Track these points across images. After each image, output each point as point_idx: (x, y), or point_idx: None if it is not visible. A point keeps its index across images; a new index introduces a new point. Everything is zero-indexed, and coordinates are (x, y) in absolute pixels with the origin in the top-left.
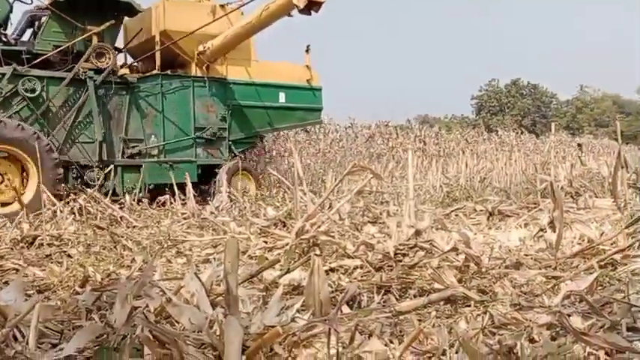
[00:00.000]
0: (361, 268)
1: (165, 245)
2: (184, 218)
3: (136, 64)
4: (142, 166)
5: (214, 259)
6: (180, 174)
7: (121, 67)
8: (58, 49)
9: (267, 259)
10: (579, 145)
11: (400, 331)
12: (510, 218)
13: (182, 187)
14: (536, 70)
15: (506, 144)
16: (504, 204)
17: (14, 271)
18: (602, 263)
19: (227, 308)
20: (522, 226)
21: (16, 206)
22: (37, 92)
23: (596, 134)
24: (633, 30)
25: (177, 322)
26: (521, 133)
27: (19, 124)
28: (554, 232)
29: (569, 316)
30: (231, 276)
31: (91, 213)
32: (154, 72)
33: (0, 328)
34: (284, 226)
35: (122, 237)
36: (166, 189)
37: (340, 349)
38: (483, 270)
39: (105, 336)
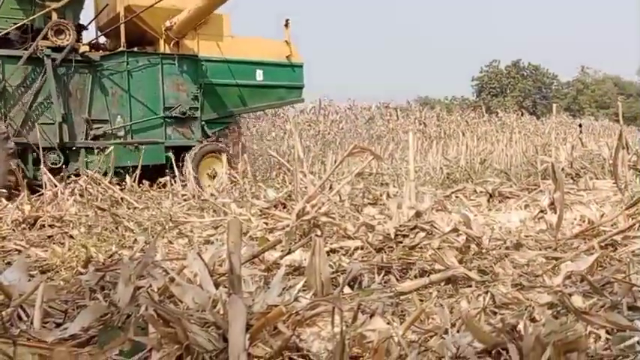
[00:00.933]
0: (362, 249)
1: (167, 226)
2: (184, 200)
3: (103, 42)
4: (107, 148)
5: (216, 239)
6: (147, 156)
7: (84, 44)
8: (16, 26)
9: (268, 240)
10: (580, 125)
11: (402, 311)
12: (510, 200)
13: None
14: (537, 51)
15: (507, 125)
16: (504, 185)
17: (17, 252)
18: (603, 244)
19: (230, 287)
20: (522, 207)
21: None
22: None
23: (597, 116)
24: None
25: (181, 302)
26: (522, 114)
27: None
28: (555, 213)
29: (570, 295)
30: (235, 255)
31: (91, 194)
32: (119, 50)
33: (4, 308)
34: (284, 207)
35: (123, 218)
36: (166, 170)
37: (344, 328)
38: (484, 251)
39: (109, 315)
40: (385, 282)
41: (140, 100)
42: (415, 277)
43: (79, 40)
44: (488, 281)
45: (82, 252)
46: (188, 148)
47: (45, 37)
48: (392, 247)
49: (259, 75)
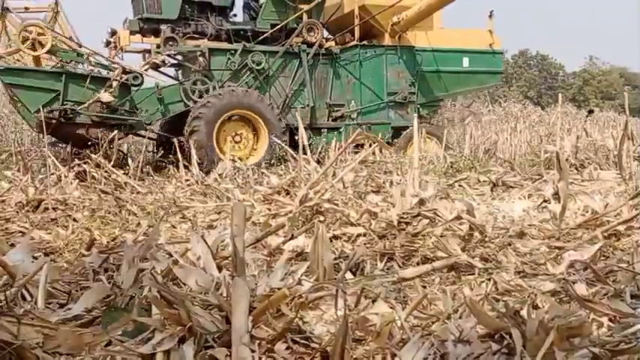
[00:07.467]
0: (364, 235)
1: (170, 211)
2: (188, 185)
3: (336, 37)
4: (342, 127)
5: (219, 224)
6: (377, 135)
7: (327, 40)
8: (277, 27)
9: (270, 225)
10: (591, 111)
11: (404, 297)
12: (514, 189)
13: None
14: (543, 41)
15: (511, 115)
16: (508, 175)
17: (20, 234)
18: (606, 234)
19: (234, 270)
20: (526, 197)
21: (249, 161)
22: (262, 65)
23: (602, 107)
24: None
25: (184, 285)
26: (525, 105)
27: (258, 95)
28: (558, 203)
29: (573, 283)
30: (238, 238)
31: (95, 178)
32: (353, 43)
33: (9, 288)
34: (287, 194)
35: (127, 202)
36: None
37: (347, 311)
38: (487, 239)
39: (112, 296)
40: (388, 269)
41: (369, 87)
42: (418, 264)
43: None
44: (491, 269)
45: (86, 235)
46: (404, 129)
47: (298, 34)
48: (395, 234)
49: (465, 62)
